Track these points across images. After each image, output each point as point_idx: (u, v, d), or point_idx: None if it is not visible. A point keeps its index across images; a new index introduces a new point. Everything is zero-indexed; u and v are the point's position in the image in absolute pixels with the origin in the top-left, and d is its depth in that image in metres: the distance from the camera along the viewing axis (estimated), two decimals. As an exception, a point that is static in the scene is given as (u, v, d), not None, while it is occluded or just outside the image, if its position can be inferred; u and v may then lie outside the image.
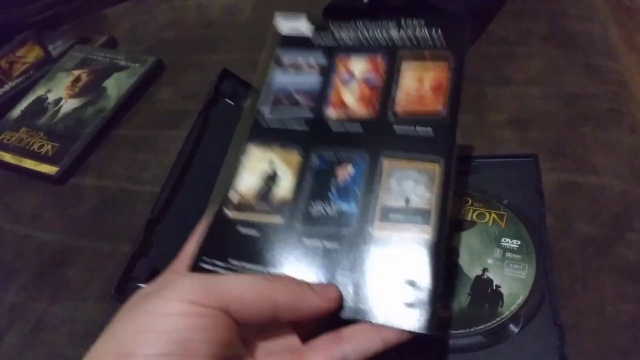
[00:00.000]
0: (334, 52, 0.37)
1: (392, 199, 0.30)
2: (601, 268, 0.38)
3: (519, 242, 0.38)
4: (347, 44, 0.37)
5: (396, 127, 0.32)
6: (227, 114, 0.40)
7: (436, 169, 0.31)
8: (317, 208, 0.30)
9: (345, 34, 0.37)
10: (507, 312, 0.35)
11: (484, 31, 0.61)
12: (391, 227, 0.29)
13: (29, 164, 0.58)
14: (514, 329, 0.35)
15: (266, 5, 0.75)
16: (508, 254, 0.38)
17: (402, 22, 0.37)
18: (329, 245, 0.29)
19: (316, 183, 0.31)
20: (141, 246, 0.32)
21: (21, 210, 0.55)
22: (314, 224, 0.30)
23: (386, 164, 0.31)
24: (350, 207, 0.30)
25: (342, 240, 0.29)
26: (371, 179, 0.31)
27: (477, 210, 0.41)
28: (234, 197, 0.31)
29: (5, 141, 0.61)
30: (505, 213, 0.41)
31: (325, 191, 0.31)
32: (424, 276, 0.27)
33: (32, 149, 0.59)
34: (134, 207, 0.51)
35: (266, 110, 0.34)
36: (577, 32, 0.59)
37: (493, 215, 0.41)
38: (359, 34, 0.37)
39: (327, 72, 0.36)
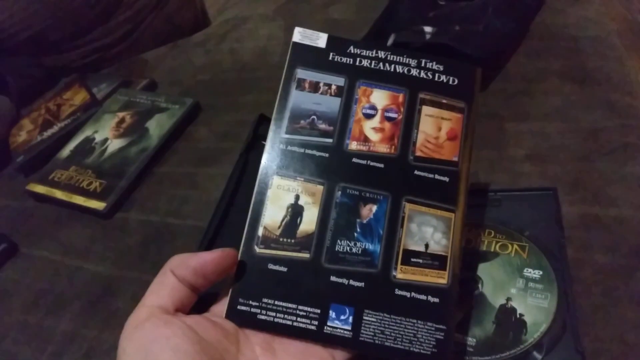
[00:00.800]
0: (354, 78, 0.37)
1: (413, 243, 0.33)
2: (621, 298, 0.40)
3: (541, 272, 0.40)
4: (368, 72, 0.37)
5: (416, 171, 0.35)
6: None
7: (452, 217, 0.34)
8: (343, 245, 0.33)
9: (366, 60, 0.37)
10: (531, 340, 0.37)
11: (502, 69, 0.64)
12: (412, 270, 0.33)
13: (78, 200, 0.63)
14: (537, 356, 0.37)
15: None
16: (531, 284, 0.40)
17: (423, 63, 0.38)
18: (356, 284, 0.32)
19: (340, 219, 0.33)
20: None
21: (72, 244, 0.60)
22: (340, 261, 0.32)
23: (408, 207, 0.34)
24: (374, 247, 0.33)
25: (368, 279, 0.32)
26: (394, 220, 0.34)
27: (499, 241, 0.44)
28: (260, 232, 0.32)
29: (56, 179, 0.66)
30: (527, 244, 0.43)
31: (350, 228, 0.33)
32: (440, 317, 0.32)
33: (81, 186, 0.64)
34: (177, 240, 0.55)
35: (282, 131, 0.35)
36: (592, 68, 0.61)
37: (515, 246, 0.43)
38: (380, 64, 0.37)
39: (347, 98, 0.36)
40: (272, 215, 0.33)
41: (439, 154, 0.36)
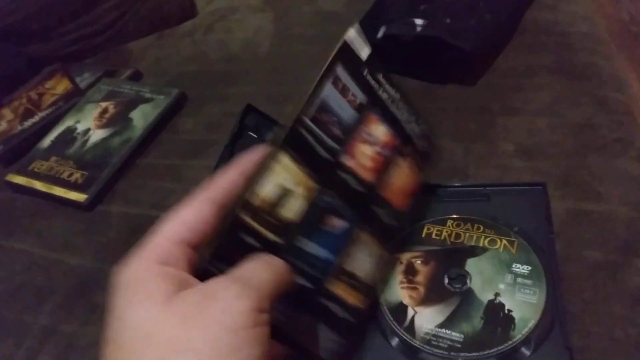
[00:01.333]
0: (371, 102, 0.38)
1: (349, 264, 0.36)
2: (610, 293, 0.40)
3: (530, 268, 0.40)
4: (382, 105, 0.39)
5: (377, 209, 0.39)
6: (251, 147, 0.42)
7: (387, 256, 0.40)
8: (312, 246, 0.33)
9: (385, 94, 0.39)
10: (519, 336, 0.36)
11: (493, 64, 0.63)
12: (341, 286, 0.36)
13: (58, 191, 0.61)
14: (526, 352, 0.36)
15: (283, 40, 0.79)
16: (519, 279, 0.39)
17: (420, 120, 0.43)
18: (300, 281, 0.33)
19: (316, 220, 0.34)
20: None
21: (51, 236, 0.58)
22: (299, 257, 0.32)
23: (358, 233, 0.37)
24: (329, 256, 0.35)
25: (310, 281, 0.34)
26: (350, 240, 0.37)
27: (488, 236, 0.43)
28: (250, 198, 0.30)
29: (36, 169, 0.64)
30: (515, 240, 0.42)
31: (322, 233, 0.34)
32: (346, 332, 0.36)
33: (61, 177, 0.62)
34: (160, 233, 0.54)
35: (307, 116, 0.33)
36: (583, 64, 0.61)
37: (504, 242, 0.42)
38: (391, 105, 0.40)
39: (359, 116, 0.37)
40: (266, 188, 0.31)
41: (400, 201, 0.41)
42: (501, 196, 0.47)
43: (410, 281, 0.42)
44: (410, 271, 0.42)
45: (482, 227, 0.44)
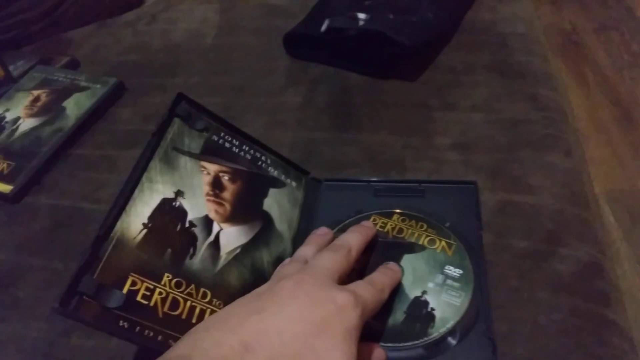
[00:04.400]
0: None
1: None
2: (535, 281, 0.41)
3: (462, 272, 0.40)
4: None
5: None
6: (181, 135, 0.41)
7: None
8: None
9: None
10: (436, 334, 0.37)
11: (434, 61, 0.64)
12: None
13: (-18, 182, 0.57)
14: (451, 341, 0.36)
15: (228, 32, 0.77)
16: (449, 281, 0.40)
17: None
18: None
19: None
20: (87, 262, 0.33)
21: (-28, 229, 0.54)
22: None
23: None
24: None
25: None
26: None
27: (430, 236, 0.43)
28: None
29: (-41, 159, 0.60)
30: (454, 243, 0.42)
31: None
32: None
33: (-14, 167, 0.59)
34: (89, 225, 0.51)
35: None
36: (518, 63, 0.63)
37: (443, 243, 0.43)
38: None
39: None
40: None
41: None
42: (435, 192, 0.47)
43: None
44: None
45: (425, 226, 0.44)
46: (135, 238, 0.35)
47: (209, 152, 0.43)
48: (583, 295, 0.40)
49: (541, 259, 0.42)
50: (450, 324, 0.37)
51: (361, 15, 0.62)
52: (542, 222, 0.46)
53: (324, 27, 0.63)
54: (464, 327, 0.37)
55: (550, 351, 0.37)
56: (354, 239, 0.38)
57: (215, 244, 0.39)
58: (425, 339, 0.36)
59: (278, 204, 0.45)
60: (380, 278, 0.36)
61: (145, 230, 0.36)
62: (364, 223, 0.42)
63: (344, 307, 0.30)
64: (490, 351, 0.36)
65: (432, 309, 0.38)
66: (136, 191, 0.37)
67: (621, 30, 1.73)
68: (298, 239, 0.44)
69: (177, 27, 0.81)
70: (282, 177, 0.47)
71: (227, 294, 0.37)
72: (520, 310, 0.39)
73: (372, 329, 0.37)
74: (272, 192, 0.45)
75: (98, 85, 0.67)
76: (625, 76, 1.55)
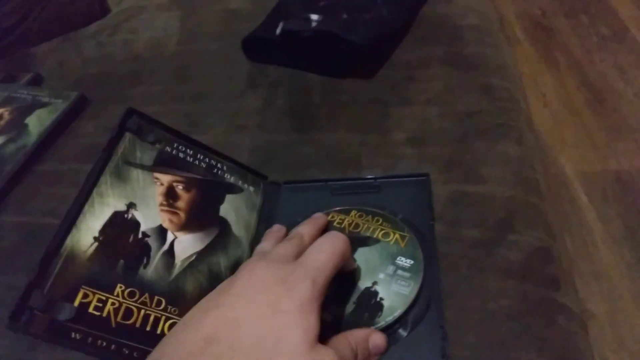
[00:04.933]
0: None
1: None
2: (485, 268, 0.42)
3: (412, 262, 0.41)
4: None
5: None
6: (132, 149, 0.42)
7: None
8: None
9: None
10: (382, 322, 0.38)
11: (389, 57, 0.65)
12: None
13: (-54, 204, 0.57)
14: (402, 333, 0.38)
15: (190, 38, 0.78)
16: (399, 272, 0.41)
17: None
18: None
19: None
20: (37, 277, 0.33)
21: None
22: None
23: None
24: None
25: None
26: None
27: (384, 230, 0.44)
28: None
29: None
30: (407, 235, 0.43)
31: None
32: None
33: (-50, 188, 0.59)
34: (53, 240, 0.52)
35: None
36: (472, 54, 0.64)
37: (397, 235, 0.44)
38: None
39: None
40: None
41: None
42: (390, 187, 0.49)
43: None
44: None
45: (380, 220, 0.45)
46: (86, 252, 0.36)
47: (162, 164, 0.43)
48: (532, 280, 0.42)
49: (492, 247, 0.44)
50: (397, 312, 0.38)
51: (314, 17, 0.63)
52: (493, 210, 0.47)
53: (278, 30, 0.64)
54: (415, 318, 0.38)
55: (498, 337, 0.38)
56: (306, 228, 0.40)
57: (170, 252, 0.40)
58: (373, 328, 0.37)
59: (235, 210, 0.46)
60: (323, 243, 0.36)
61: (96, 244, 0.37)
62: (315, 215, 0.44)
63: (293, 282, 0.31)
64: (440, 338, 0.37)
65: (381, 299, 0.39)
66: (86, 206, 0.38)
67: (590, 14, 1.75)
68: (256, 243, 0.44)
69: (139, 37, 0.81)
70: (239, 183, 0.48)
71: (183, 301, 0.38)
72: (470, 298, 0.41)
73: (325, 321, 0.38)
74: (229, 198, 0.46)
75: (60, 100, 0.67)
76: (595, 59, 1.57)
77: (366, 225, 0.45)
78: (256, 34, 0.68)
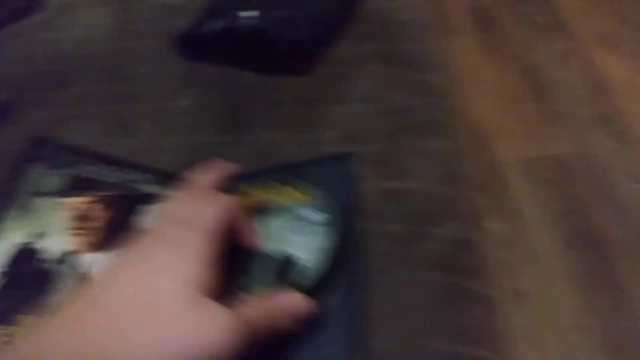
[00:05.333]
0: None
1: None
2: (404, 260, 0.44)
3: (328, 216, 0.41)
4: None
5: None
6: (41, 178, 0.42)
7: None
8: None
9: None
10: (307, 283, 0.38)
11: (325, 54, 0.66)
12: None
13: None
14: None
15: (122, 36, 0.76)
16: (314, 226, 0.41)
17: None
18: None
19: None
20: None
21: None
22: None
23: None
24: None
25: None
26: None
27: (295, 195, 0.44)
28: None
29: None
30: (322, 200, 0.43)
31: None
32: None
33: None
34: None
35: None
36: (404, 51, 0.65)
37: (309, 197, 0.44)
38: None
39: None
40: None
41: None
42: (309, 167, 0.49)
43: None
44: None
45: (293, 190, 0.45)
46: None
47: (74, 187, 0.43)
48: (453, 271, 0.44)
49: (414, 240, 0.45)
50: (320, 269, 0.38)
51: (245, 14, 0.62)
52: (420, 204, 0.48)
53: (211, 27, 0.63)
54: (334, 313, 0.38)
55: (418, 330, 0.40)
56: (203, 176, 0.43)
57: (88, 275, 0.39)
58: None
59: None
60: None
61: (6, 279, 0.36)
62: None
63: (176, 238, 0.33)
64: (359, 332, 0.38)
65: (302, 261, 0.39)
66: None
67: (530, 2, 1.81)
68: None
69: (70, 35, 0.78)
70: (160, 192, 0.47)
71: None
72: (388, 291, 0.42)
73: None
74: (149, 209, 0.45)
75: (-19, 104, 0.64)
76: (535, 47, 1.63)
77: (278, 196, 0.44)
78: (188, 32, 0.67)
